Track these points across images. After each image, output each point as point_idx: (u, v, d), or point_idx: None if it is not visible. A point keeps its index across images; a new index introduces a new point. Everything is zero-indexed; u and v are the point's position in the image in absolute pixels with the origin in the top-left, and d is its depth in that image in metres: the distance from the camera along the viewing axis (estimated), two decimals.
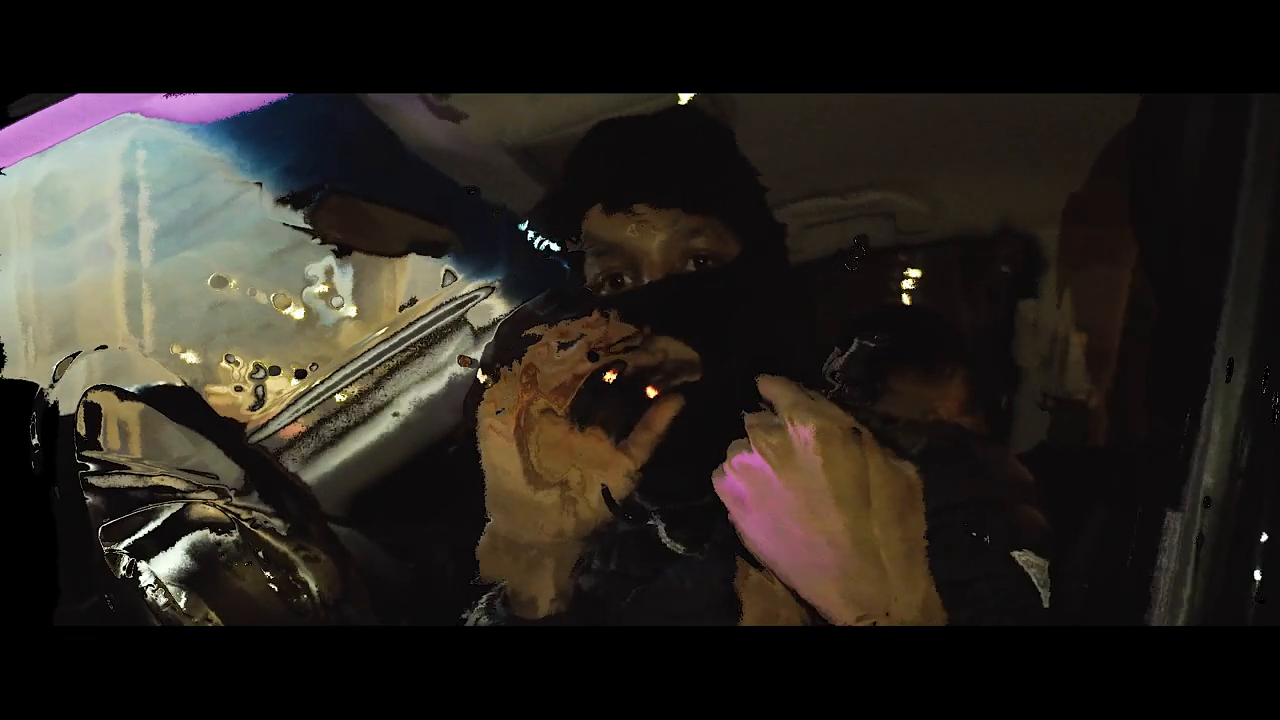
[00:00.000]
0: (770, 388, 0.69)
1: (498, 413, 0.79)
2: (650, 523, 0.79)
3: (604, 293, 0.81)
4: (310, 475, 1.07)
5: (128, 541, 0.81)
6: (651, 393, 0.78)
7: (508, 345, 0.83)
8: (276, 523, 0.90)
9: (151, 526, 0.83)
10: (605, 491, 0.78)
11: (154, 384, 0.98)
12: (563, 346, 0.78)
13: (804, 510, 0.65)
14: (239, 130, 1.10)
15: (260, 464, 1.01)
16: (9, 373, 1.21)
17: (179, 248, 1.18)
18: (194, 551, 0.83)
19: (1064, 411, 0.78)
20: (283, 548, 0.86)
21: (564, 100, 0.84)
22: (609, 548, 0.82)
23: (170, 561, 0.83)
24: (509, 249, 0.95)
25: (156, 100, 1.20)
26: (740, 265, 0.80)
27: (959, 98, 0.73)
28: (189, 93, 1.13)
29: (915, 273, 0.81)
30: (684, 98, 0.81)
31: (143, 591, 0.84)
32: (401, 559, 1.00)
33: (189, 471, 0.98)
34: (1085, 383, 0.80)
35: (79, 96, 1.20)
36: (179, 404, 0.95)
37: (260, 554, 0.84)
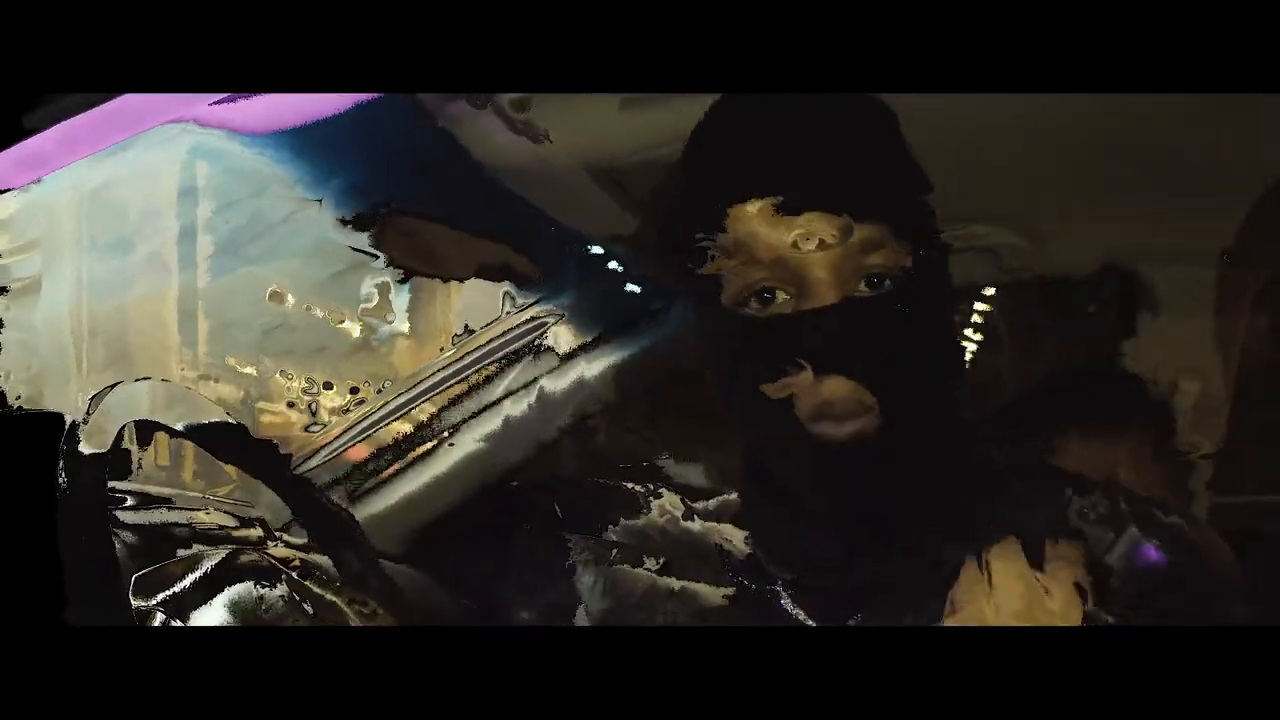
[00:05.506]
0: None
1: None
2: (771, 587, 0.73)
3: (750, 309, 0.66)
4: (363, 511, 1.02)
5: (162, 596, 0.75)
6: None
7: None
8: (327, 568, 0.83)
9: (190, 580, 0.76)
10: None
11: (197, 418, 0.92)
12: None
13: None
14: (300, 143, 1.04)
15: (308, 497, 0.95)
16: (58, 393, 1.17)
17: (236, 263, 1.14)
18: (235, 608, 0.76)
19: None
20: (333, 599, 0.78)
21: (654, 119, 0.74)
22: None
23: (209, 619, 0.76)
24: (582, 274, 0.87)
25: (214, 108, 1.16)
26: (915, 289, 0.66)
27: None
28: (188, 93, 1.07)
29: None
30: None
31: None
32: (461, 597, 0.94)
33: (230, 506, 0.93)
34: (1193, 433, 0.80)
35: (125, 98, 1.16)
36: (222, 436, 0.89)
37: (309, 608, 0.77)
